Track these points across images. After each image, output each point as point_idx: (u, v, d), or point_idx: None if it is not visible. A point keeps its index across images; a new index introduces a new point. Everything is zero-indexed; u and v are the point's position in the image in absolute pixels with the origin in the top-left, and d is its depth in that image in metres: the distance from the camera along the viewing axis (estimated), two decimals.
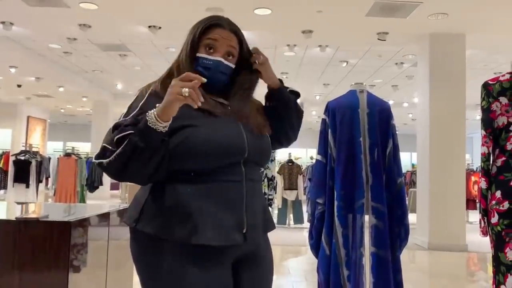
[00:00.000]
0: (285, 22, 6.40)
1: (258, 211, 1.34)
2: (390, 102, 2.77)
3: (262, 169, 1.51)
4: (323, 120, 2.63)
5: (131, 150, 1.16)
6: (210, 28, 1.34)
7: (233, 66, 1.36)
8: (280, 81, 1.49)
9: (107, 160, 1.19)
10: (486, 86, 2.16)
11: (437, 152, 6.53)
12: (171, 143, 1.22)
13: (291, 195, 8.63)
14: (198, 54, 1.33)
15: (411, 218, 6.23)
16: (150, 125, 1.16)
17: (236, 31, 1.37)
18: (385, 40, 6.85)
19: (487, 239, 2.15)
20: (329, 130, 2.58)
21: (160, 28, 6.68)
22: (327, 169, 2.57)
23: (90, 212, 2.39)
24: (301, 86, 11.39)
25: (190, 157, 1.23)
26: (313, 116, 15.50)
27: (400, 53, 8.18)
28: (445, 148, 6.49)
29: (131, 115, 1.24)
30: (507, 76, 2.13)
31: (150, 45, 7.88)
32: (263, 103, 1.51)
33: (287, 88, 1.51)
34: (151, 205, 1.27)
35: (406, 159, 18.64)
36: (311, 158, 12.06)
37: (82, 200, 9.13)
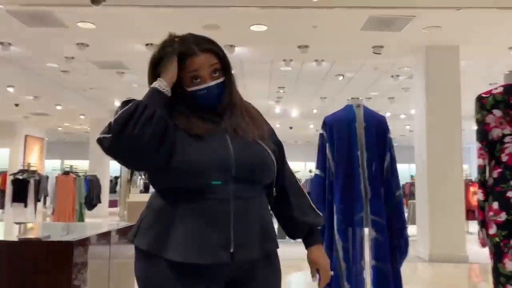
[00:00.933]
0: (281, 38, 6.47)
1: (252, 230, 1.29)
2: (387, 114, 2.81)
3: (264, 186, 1.44)
4: (321, 135, 2.66)
5: (135, 106, 1.23)
6: (184, 60, 1.33)
7: (223, 79, 1.36)
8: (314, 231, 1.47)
9: (113, 118, 1.22)
10: (479, 99, 2.19)
11: (435, 163, 6.55)
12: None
13: None
14: (189, 89, 1.34)
15: (412, 230, 6.23)
16: (154, 85, 1.29)
17: (207, 49, 1.35)
18: (380, 54, 6.92)
19: (487, 250, 2.16)
20: (327, 145, 2.61)
21: None
22: (325, 183, 2.59)
23: (90, 231, 2.39)
24: (298, 100, 11.46)
25: (176, 177, 1.25)
26: (311, 129, 15.55)
27: (395, 66, 8.26)
28: (442, 159, 6.52)
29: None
30: (500, 89, 2.17)
31: (147, 63, 7.94)
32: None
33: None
34: (145, 221, 1.32)
35: (405, 170, 18.64)
36: (310, 171, 12.07)
37: (81, 218, 9.10)
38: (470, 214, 9.02)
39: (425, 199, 6.61)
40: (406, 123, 13.98)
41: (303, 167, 18.39)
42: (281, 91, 10.34)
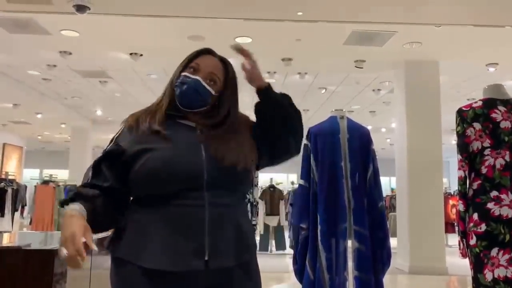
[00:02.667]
0: (265, 50, 6.52)
1: (228, 238, 1.27)
2: (369, 128, 2.85)
3: (243, 194, 1.44)
4: (305, 146, 2.69)
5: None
6: (197, 56, 1.40)
7: (212, 91, 1.36)
8: (268, 84, 1.45)
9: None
10: (460, 113, 2.25)
11: (415, 176, 6.64)
12: (132, 167, 1.27)
13: (272, 221, 8.59)
14: (182, 73, 1.37)
15: (392, 242, 6.27)
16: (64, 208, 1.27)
17: (223, 60, 1.41)
18: (362, 68, 7.03)
19: (466, 262, 2.20)
20: (311, 155, 2.64)
21: (141, 55, 6.72)
22: (310, 193, 2.61)
23: None
24: None
25: (148, 183, 1.26)
26: None
27: (377, 80, 8.39)
28: (423, 172, 6.62)
29: (106, 148, 1.34)
30: (480, 103, 2.24)
31: (131, 72, 7.90)
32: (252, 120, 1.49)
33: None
34: (121, 228, 1.31)
35: (385, 183, 18.84)
36: (292, 183, 12.09)
37: (60, 228, 8.91)
38: (449, 227, 9.15)
39: (406, 211, 6.68)
40: (387, 137, 14.17)
41: (285, 179, 18.41)
42: None
